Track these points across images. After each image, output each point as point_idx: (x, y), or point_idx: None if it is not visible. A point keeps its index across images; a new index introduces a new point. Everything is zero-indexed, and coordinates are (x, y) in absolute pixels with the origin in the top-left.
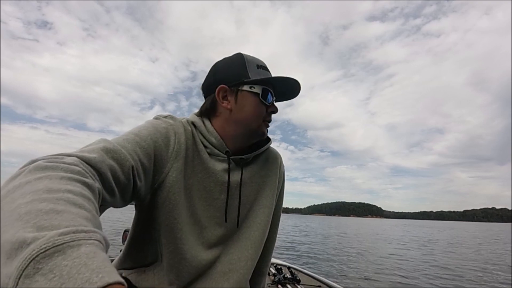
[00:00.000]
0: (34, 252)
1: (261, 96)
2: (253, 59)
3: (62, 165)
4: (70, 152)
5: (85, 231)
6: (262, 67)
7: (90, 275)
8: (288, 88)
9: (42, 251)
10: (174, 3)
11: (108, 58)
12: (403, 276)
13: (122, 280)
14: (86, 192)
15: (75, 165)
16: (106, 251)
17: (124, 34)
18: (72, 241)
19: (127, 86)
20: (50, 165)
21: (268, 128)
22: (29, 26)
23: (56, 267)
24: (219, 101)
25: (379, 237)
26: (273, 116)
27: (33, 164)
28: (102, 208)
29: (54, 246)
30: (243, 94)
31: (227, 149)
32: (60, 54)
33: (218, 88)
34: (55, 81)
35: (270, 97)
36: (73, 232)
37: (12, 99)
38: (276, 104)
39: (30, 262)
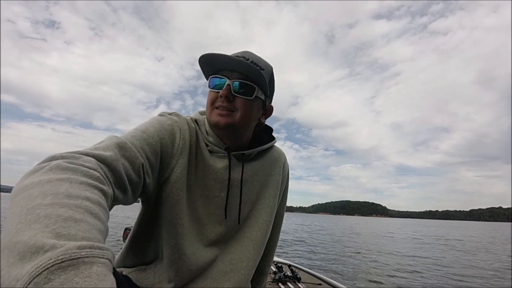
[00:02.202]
0: (50, 261)
1: (210, 86)
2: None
3: (82, 168)
4: (86, 150)
5: (100, 248)
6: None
7: None
8: (240, 67)
9: (58, 262)
10: (180, 3)
11: (114, 58)
12: (423, 277)
13: None
14: (102, 200)
15: (94, 169)
16: (112, 267)
17: (131, 33)
18: (87, 257)
19: (133, 85)
20: (71, 166)
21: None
22: (37, 25)
23: (67, 282)
24: None
25: (393, 236)
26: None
27: (54, 163)
28: (112, 206)
29: (69, 259)
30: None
31: (226, 146)
32: (67, 53)
33: None
34: (62, 80)
35: (216, 81)
36: (89, 248)
37: (20, 98)
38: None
39: (43, 271)
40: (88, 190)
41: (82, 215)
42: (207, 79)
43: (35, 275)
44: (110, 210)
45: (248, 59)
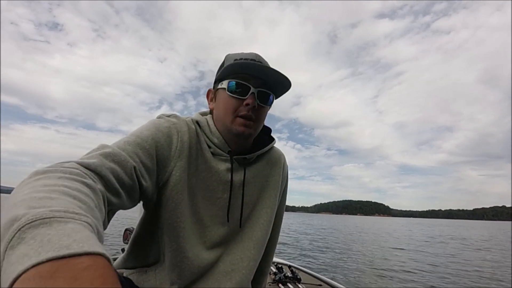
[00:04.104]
0: (21, 223)
1: (228, 90)
2: (235, 55)
3: (61, 168)
4: (69, 160)
5: (76, 213)
6: (242, 59)
7: (70, 243)
8: (273, 78)
9: (28, 222)
10: (183, 4)
11: (117, 59)
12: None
13: (104, 252)
14: (84, 189)
15: (74, 168)
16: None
17: (133, 34)
18: (60, 217)
19: (135, 86)
20: (50, 169)
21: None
22: (40, 27)
23: (38, 235)
24: (208, 102)
25: (399, 236)
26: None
27: (34, 171)
28: (111, 212)
29: (41, 218)
30: (219, 92)
31: (229, 149)
32: (71, 55)
33: (207, 92)
34: (66, 81)
35: (238, 86)
36: (64, 211)
37: (24, 99)
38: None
39: (16, 233)
40: (67, 181)
41: (58, 195)
42: (217, 80)
43: (9, 240)
44: (112, 216)
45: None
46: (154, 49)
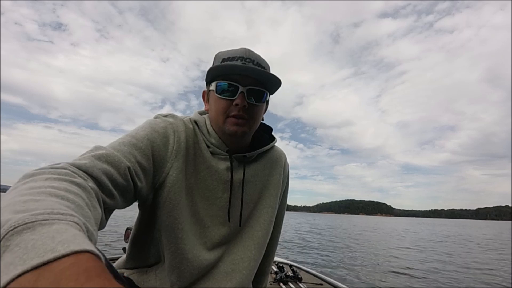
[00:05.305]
0: (4, 230)
1: (217, 92)
2: (224, 53)
3: (49, 169)
4: (60, 162)
5: (61, 213)
6: (230, 59)
7: (55, 246)
8: (262, 76)
9: (11, 228)
10: (185, 4)
11: (120, 59)
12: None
13: (92, 249)
14: (73, 188)
15: (63, 168)
16: (88, 238)
17: (137, 35)
18: (44, 220)
19: (138, 86)
20: (38, 171)
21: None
22: (44, 28)
23: (22, 241)
24: (204, 103)
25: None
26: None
27: (22, 175)
28: (108, 211)
29: (24, 224)
30: (210, 93)
31: (228, 148)
32: (74, 55)
33: (202, 93)
34: (69, 81)
35: (226, 87)
36: (48, 213)
37: (27, 99)
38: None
39: (0, 241)
40: (54, 182)
41: (44, 197)
42: (208, 81)
43: None
44: (107, 213)
45: (253, 61)
46: (157, 49)
